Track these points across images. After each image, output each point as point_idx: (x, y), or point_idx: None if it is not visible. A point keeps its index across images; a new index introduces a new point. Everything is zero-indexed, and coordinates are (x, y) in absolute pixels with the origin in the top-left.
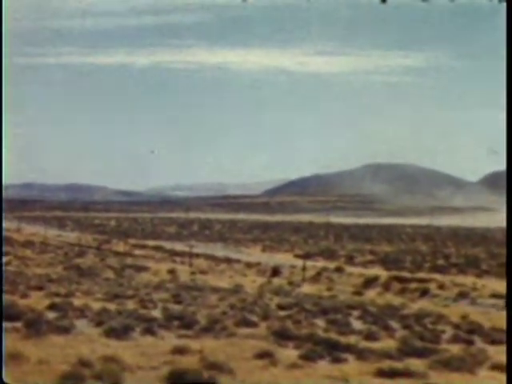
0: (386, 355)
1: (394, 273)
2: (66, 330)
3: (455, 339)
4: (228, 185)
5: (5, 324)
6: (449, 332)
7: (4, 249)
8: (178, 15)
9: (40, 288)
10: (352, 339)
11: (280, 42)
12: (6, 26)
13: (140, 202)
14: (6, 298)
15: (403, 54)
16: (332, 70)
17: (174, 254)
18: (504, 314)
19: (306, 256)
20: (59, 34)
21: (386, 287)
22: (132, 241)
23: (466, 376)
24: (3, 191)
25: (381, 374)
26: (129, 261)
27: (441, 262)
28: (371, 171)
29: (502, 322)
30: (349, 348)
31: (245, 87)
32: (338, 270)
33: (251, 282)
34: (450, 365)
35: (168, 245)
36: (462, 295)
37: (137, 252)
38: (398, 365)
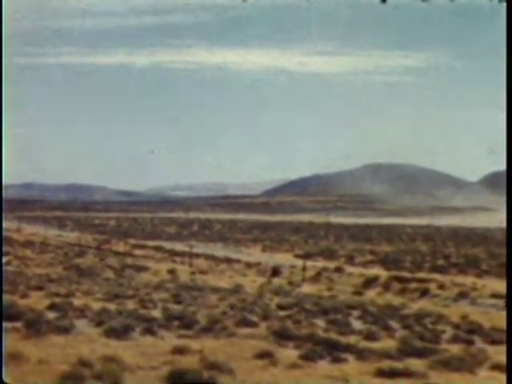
0: (386, 355)
1: (394, 273)
2: (65, 330)
3: (455, 339)
4: (228, 185)
5: (5, 324)
6: (449, 332)
7: (4, 249)
8: (178, 15)
9: (40, 288)
10: (352, 339)
11: (280, 42)
12: (6, 26)
13: (140, 202)
14: (6, 298)
15: (403, 54)
16: (332, 69)
17: (173, 254)
18: (504, 313)
19: (306, 256)
20: (59, 34)
21: (386, 287)
22: (132, 241)
23: (465, 376)
24: (3, 191)
25: (381, 373)
26: (129, 261)
27: (441, 262)
28: (371, 171)
29: (502, 322)
30: (349, 348)
31: (245, 87)
32: (338, 270)
33: (251, 282)
34: (449, 365)
35: (168, 245)
36: (462, 295)
37: (137, 252)
38: (398, 365)
